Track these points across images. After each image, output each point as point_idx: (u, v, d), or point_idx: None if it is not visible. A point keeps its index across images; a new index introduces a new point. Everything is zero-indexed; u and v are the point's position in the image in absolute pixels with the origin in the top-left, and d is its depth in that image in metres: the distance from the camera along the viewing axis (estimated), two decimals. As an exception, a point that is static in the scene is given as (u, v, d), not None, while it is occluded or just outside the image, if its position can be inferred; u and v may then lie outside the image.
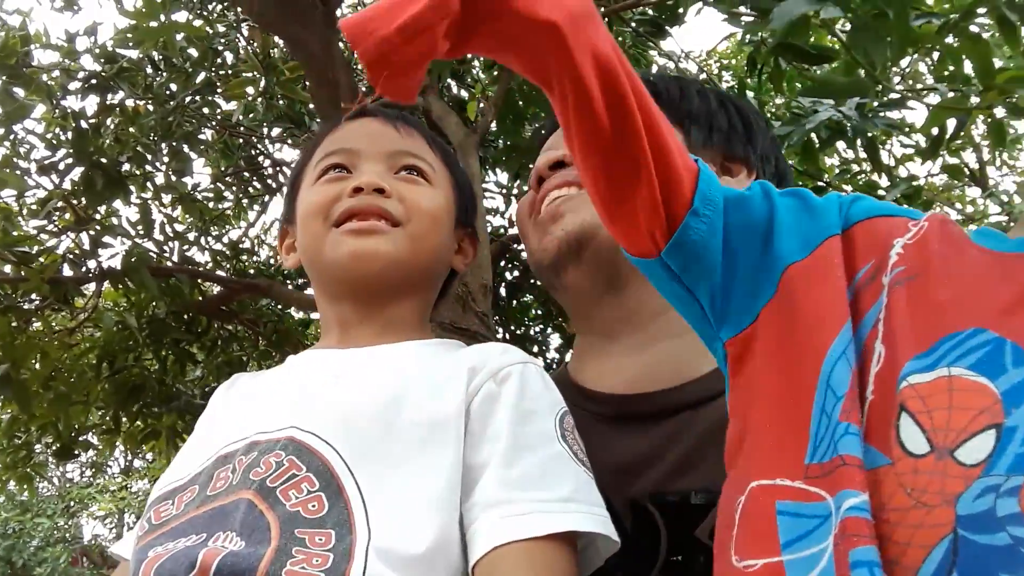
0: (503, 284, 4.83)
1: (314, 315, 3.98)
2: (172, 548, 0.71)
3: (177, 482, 0.82)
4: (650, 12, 3.35)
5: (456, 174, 1.03)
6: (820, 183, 2.74)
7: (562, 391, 0.92)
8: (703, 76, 4.04)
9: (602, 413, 0.94)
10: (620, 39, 3.34)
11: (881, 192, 2.68)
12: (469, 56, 4.19)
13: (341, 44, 3.34)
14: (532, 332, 4.91)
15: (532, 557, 0.67)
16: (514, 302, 4.76)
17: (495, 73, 3.80)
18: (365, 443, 0.76)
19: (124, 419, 4.54)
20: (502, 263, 4.45)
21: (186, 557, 0.68)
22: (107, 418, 4.72)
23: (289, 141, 4.34)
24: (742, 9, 2.13)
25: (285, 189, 1.10)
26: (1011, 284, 0.58)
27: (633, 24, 3.27)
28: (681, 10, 3.35)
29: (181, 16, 3.69)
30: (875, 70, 1.66)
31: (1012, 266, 0.59)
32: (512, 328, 5.01)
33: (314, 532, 0.68)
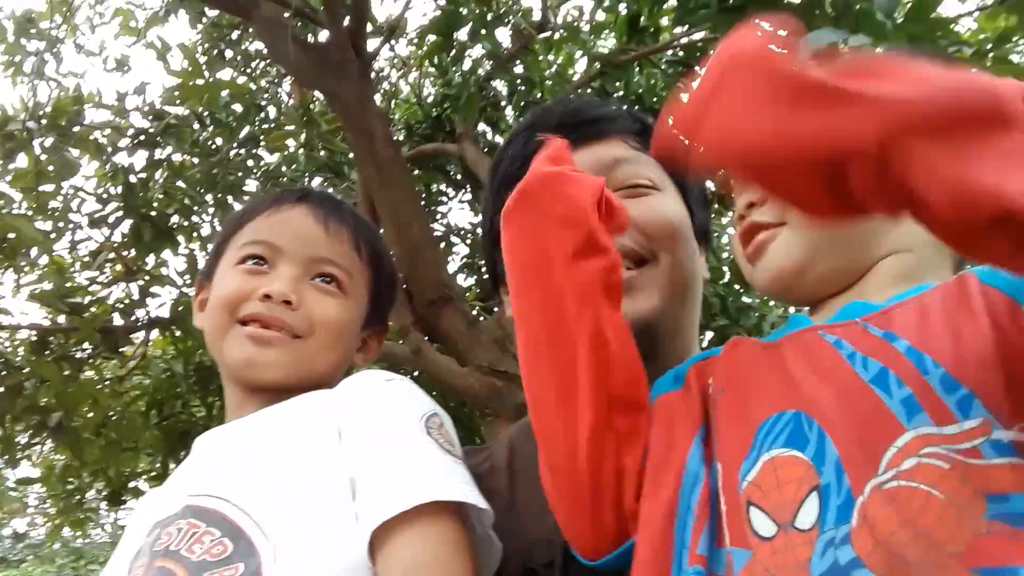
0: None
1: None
2: None
3: None
4: (680, 53, 3.36)
5: (380, 270, 1.03)
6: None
7: (525, 439, 0.95)
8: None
9: None
10: (651, 81, 3.35)
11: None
12: (502, 103, 4.26)
13: (378, 96, 3.43)
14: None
15: (414, 528, 0.73)
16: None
17: (528, 119, 3.84)
18: (254, 487, 0.81)
19: (172, 465, 4.62)
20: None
21: None
22: (156, 464, 4.82)
23: (331, 190, 4.45)
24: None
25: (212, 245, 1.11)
26: (777, 369, 0.66)
27: (663, 66, 3.29)
28: (711, 52, 3.34)
29: (225, 74, 3.85)
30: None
31: (772, 355, 0.68)
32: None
33: (223, 569, 0.74)
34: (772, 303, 4.11)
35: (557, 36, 3.56)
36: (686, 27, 3.14)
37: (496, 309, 4.49)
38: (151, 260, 4.29)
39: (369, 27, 3.42)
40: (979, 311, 0.60)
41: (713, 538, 0.62)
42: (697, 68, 3.51)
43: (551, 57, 3.52)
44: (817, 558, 0.54)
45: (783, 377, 0.65)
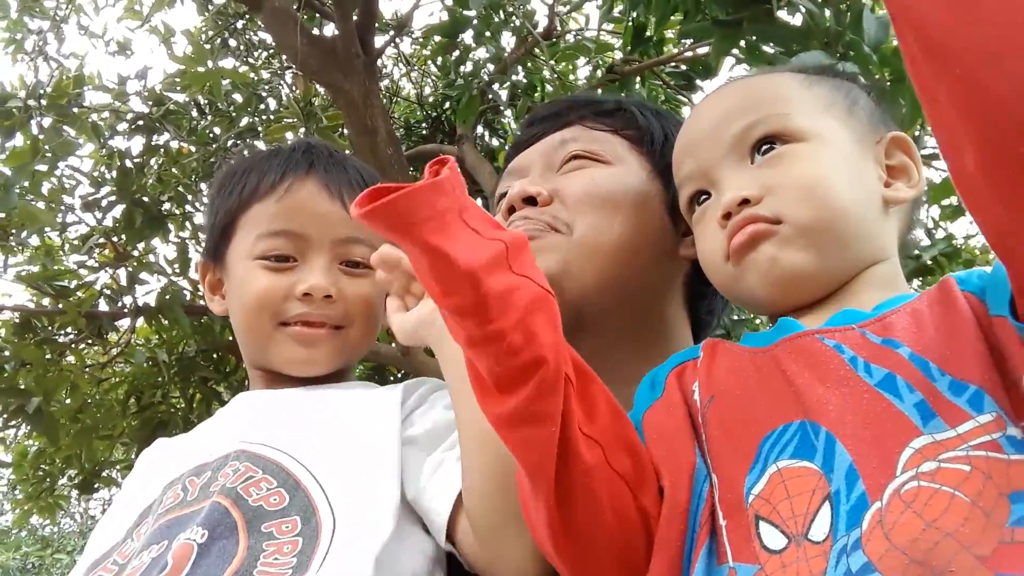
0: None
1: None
2: (138, 565, 0.74)
3: (116, 537, 0.84)
4: (683, 67, 3.40)
5: None
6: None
7: None
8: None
9: None
10: (653, 93, 3.39)
11: (917, 252, 2.64)
12: (501, 107, 4.29)
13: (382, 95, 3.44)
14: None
15: None
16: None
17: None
18: (314, 448, 0.82)
19: (148, 455, 4.54)
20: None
21: (155, 565, 0.71)
22: (131, 455, 4.75)
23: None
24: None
25: (211, 218, 1.04)
26: (775, 378, 0.65)
27: (665, 77, 3.33)
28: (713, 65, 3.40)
29: (228, 63, 3.85)
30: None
31: (765, 362, 0.67)
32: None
33: (279, 521, 0.74)
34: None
35: (562, 44, 3.60)
36: (690, 40, 3.18)
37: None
38: (141, 247, 4.25)
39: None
40: (965, 310, 0.61)
41: (712, 555, 0.61)
42: (698, 82, 3.56)
43: (554, 64, 3.55)
44: (832, 569, 0.53)
45: (784, 386, 0.64)
